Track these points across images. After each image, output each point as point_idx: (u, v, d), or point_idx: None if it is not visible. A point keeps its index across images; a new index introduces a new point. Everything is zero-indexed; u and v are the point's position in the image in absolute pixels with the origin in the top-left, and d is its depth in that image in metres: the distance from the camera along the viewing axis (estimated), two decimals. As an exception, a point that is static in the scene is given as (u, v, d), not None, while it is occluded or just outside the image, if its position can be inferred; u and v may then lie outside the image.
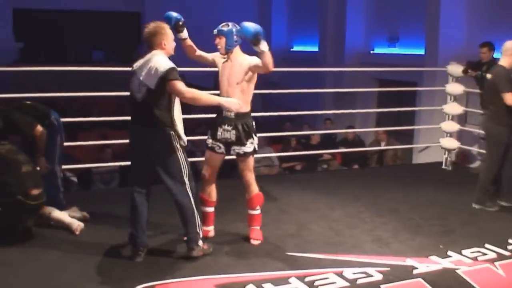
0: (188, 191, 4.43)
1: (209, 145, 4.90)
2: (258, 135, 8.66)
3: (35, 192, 4.82)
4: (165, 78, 4.22)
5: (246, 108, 4.83)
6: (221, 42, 4.78)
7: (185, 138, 4.49)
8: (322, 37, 14.50)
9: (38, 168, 5.18)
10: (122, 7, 16.18)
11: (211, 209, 5.02)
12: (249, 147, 4.83)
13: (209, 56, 5.04)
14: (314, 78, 12.41)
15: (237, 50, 4.80)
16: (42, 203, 4.96)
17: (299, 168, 9.42)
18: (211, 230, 5.03)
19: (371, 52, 13.40)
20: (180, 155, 4.40)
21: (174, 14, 4.96)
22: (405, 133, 10.67)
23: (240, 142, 4.79)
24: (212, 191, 5.00)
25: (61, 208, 5.29)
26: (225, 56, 4.82)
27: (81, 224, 5.11)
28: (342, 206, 6.03)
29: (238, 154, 4.84)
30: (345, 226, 5.37)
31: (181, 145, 4.42)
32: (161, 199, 4.73)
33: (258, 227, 4.99)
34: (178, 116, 4.46)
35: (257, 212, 4.97)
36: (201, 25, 16.22)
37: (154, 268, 4.30)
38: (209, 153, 4.92)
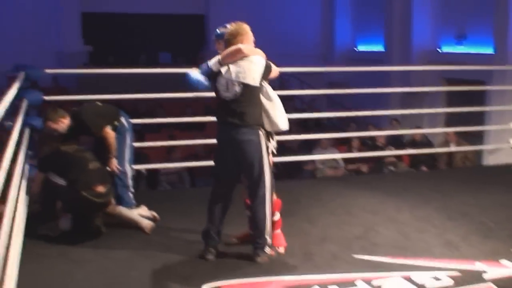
0: (267, 197, 4.42)
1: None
2: (323, 135, 8.68)
3: (101, 189, 4.92)
4: (266, 72, 4.38)
5: None
6: (220, 46, 4.58)
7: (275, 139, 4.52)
8: (388, 36, 14.30)
9: (108, 169, 5.31)
10: (187, 10, 16.39)
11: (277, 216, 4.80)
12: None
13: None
14: (380, 78, 12.25)
15: None
16: (107, 201, 5.05)
17: (365, 170, 9.32)
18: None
19: (438, 50, 13.12)
20: (269, 158, 4.42)
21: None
22: (474, 134, 10.40)
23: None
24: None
25: (130, 207, 5.40)
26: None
27: (151, 223, 5.19)
28: (411, 208, 5.92)
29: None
30: (414, 229, 5.26)
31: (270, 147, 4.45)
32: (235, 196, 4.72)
33: (278, 231, 4.77)
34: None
35: (276, 218, 4.73)
36: (264, 25, 16.40)
37: (221, 268, 4.33)
38: None
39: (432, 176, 7.96)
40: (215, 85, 4.40)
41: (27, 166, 5.31)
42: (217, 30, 4.69)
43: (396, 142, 10.13)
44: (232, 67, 4.32)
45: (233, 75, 4.30)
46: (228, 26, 4.50)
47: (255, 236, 4.46)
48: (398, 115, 11.26)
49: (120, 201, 5.46)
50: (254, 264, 4.44)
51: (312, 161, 9.05)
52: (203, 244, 4.55)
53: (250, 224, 4.52)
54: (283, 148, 9.20)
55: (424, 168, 9.39)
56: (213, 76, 4.38)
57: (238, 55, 4.34)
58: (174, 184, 8.55)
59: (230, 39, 4.40)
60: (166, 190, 8.20)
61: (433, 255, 4.63)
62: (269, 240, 4.48)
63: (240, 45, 4.35)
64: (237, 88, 4.31)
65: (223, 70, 4.34)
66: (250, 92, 4.33)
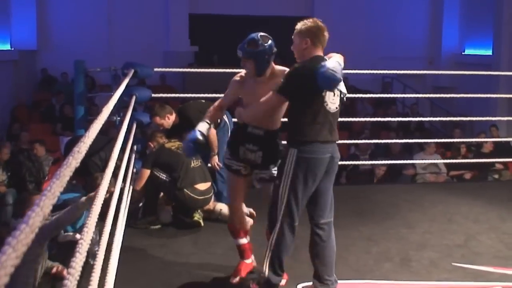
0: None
1: (233, 168, 4.02)
2: (427, 140, 8.50)
3: (202, 187, 5.10)
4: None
5: (277, 125, 3.97)
6: (249, 66, 3.88)
7: None
8: (496, 40, 13.80)
9: (209, 165, 5.46)
10: (295, 12, 16.48)
11: (245, 240, 4.24)
12: (275, 170, 3.93)
13: (231, 96, 4.11)
14: (487, 83, 11.88)
15: (270, 69, 3.93)
16: (208, 198, 5.20)
17: (468, 177, 9.04)
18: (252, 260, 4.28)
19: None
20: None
21: None
22: None
23: (265, 165, 3.98)
24: (244, 218, 4.24)
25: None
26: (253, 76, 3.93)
27: (251, 221, 5.26)
28: (515, 218, 5.71)
29: (262, 180, 4.05)
30: (517, 240, 5.08)
31: None
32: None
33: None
34: None
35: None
36: (370, 26, 16.24)
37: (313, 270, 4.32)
38: (232, 175, 4.05)
39: (540, 186, 7.63)
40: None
41: (133, 160, 5.51)
42: (246, 45, 3.93)
43: (503, 149, 9.76)
44: None
45: None
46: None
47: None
48: (501, 121, 10.83)
49: (220, 197, 5.58)
50: (347, 265, 4.42)
51: (413, 166, 8.89)
52: None
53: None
54: (384, 151, 9.19)
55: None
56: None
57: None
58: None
59: (323, 35, 3.73)
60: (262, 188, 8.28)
61: (537, 268, 4.46)
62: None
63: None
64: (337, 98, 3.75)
65: None
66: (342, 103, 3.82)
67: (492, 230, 5.34)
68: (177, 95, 6.21)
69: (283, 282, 3.89)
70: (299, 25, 3.74)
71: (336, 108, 3.66)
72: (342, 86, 3.70)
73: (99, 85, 13.27)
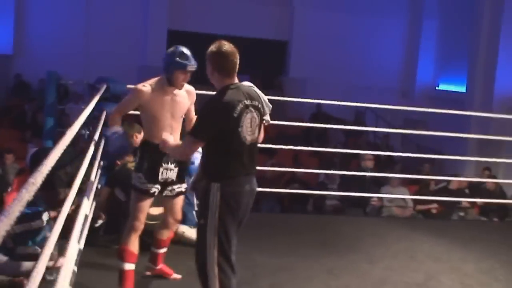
0: None
1: (147, 189, 4.05)
2: (395, 175, 8.55)
3: (155, 211, 4.99)
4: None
5: None
6: (187, 78, 4.05)
7: None
8: (471, 78, 13.99)
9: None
10: (271, 35, 16.61)
11: (133, 266, 4.16)
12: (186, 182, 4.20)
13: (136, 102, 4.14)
14: (459, 120, 12.01)
15: None
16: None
17: (435, 211, 9.09)
18: None
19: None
20: None
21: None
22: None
23: (181, 179, 4.19)
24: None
25: (193, 226, 5.45)
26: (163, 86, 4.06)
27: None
28: (476, 260, 5.74)
29: (180, 193, 4.24)
30: (476, 282, 5.10)
31: None
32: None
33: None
34: None
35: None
36: (346, 55, 16.40)
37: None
38: (146, 199, 4.07)
39: (502, 228, 7.72)
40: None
41: (98, 176, 5.44)
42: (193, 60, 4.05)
43: (475, 189, 9.86)
44: None
45: None
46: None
47: None
48: (491, 164, 10.94)
49: (184, 219, 5.52)
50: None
51: (380, 198, 8.93)
52: None
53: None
54: (351, 181, 9.21)
55: (495, 219, 9.11)
56: None
57: None
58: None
59: (236, 62, 3.55)
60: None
61: (495, 313, 4.49)
62: None
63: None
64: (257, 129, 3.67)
65: None
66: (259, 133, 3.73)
67: (452, 271, 5.37)
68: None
69: None
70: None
71: (254, 139, 3.52)
72: (266, 116, 3.66)
73: (73, 94, 13.13)
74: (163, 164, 4.01)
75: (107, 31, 14.87)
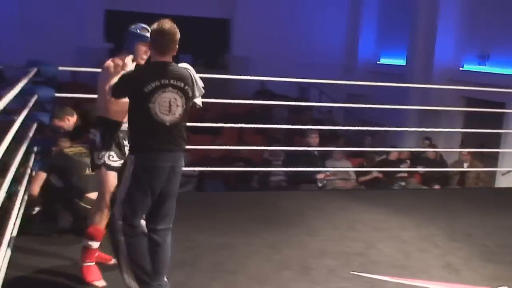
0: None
1: (117, 166, 4.04)
2: (338, 149, 8.64)
3: (94, 196, 4.90)
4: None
5: None
6: (148, 51, 3.96)
7: None
8: (410, 51, 14.22)
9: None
10: (213, 13, 16.47)
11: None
12: None
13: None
14: (400, 93, 12.18)
15: None
16: None
17: (377, 179, 9.22)
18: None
19: (460, 69, 13.02)
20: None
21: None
22: (490, 155, 10.28)
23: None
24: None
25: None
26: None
27: None
28: (415, 227, 5.85)
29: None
30: (416, 249, 5.20)
31: None
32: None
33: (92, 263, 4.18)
34: None
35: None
36: (289, 32, 16.42)
37: (215, 278, 4.27)
38: (114, 176, 4.05)
39: (442, 195, 7.87)
40: None
41: (31, 161, 5.31)
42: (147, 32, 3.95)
43: (416, 159, 10.03)
44: None
45: None
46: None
47: (162, 276, 3.81)
48: (430, 133, 11.15)
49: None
50: (247, 274, 4.40)
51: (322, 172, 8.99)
52: None
53: (158, 260, 3.81)
54: (295, 156, 9.23)
55: (437, 186, 9.30)
56: None
57: None
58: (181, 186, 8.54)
59: (174, 41, 3.68)
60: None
61: (432, 277, 4.57)
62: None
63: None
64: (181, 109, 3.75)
65: None
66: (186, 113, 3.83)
67: (392, 239, 5.45)
68: (83, 95, 6.02)
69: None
70: None
71: (175, 119, 3.59)
72: (198, 99, 3.79)
73: (11, 78, 12.79)
74: (125, 140, 4.02)
75: (43, 13, 14.50)
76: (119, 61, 3.99)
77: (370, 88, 13.82)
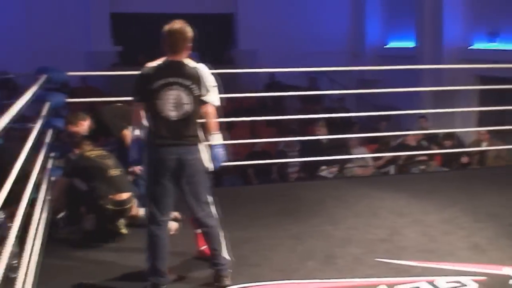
0: (214, 212, 4.13)
1: None
2: (352, 135, 8.62)
3: (119, 197, 4.91)
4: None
5: None
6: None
7: None
8: (419, 33, 14.06)
9: (130, 170, 5.30)
10: (216, 9, 16.43)
11: None
12: None
13: None
14: (411, 75, 12.08)
15: None
16: (126, 209, 5.02)
17: (394, 169, 9.17)
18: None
19: (470, 47, 12.89)
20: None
21: None
22: (509, 132, 10.16)
23: None
24: None
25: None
26: None
27: (175, 224, 5.13)
28: (438, 210, 5.79)
29: None
30: (440, 232, 5.14)
31: None
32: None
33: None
34: None
35: None
36: (293, 23, 16.32)
37: (238, 271, 4.24)
38: None
39: (462, 176, 7.79)
40: None
41: (49, 167, 5.31)
42: None
43: (430, 140, 9.95)
44: None
45: None
46: None
47: (216, 257, 4.07)
48: (426, 113, 11.06)
49: (144, 202, 5.43)
50: (272, 266, 4.38)
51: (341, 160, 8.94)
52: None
53: (208, 244, 4.13)
54: (311, 146, 9.20)
55: (464, 159, 9.17)
56: None
57: None
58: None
59: (184, 40, 3.89)
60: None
61: (459, 259, 4.52)
62: (228, 258, 4.14)
63: None
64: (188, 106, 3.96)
65: None
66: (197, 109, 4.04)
67: (415, 223, 5.39)
68: (95, 99, 6.04)
69: (167, 282, 3.95)
70: None
71: (182, 115, 3.79)
72: (211, 97, 3.95)
73: (23, 87, 12.84)
74: None
75: (49, 20, 14.52)
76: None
77: (381, 72, 13.71)
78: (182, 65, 3.82)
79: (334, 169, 8.76)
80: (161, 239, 3.90)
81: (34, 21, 14.56)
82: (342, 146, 9.08)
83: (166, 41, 3.80)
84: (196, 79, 3.81)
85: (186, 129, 3.82)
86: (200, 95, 3.84)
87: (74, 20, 14.86)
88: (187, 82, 3.77)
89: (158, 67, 3.84)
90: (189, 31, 3.85)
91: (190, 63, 3.92)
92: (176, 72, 3.77)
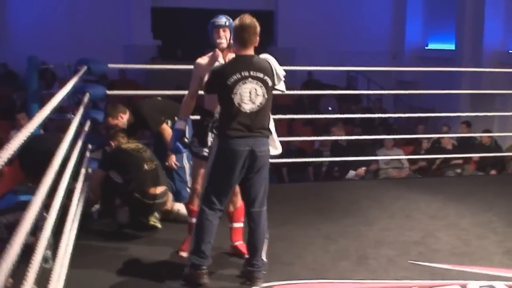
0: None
1: (202, 154, 4.30)
2: (389, 136, 8.58)
3: (154, 191, 4.93)
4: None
5: None
6: (226, 35, 4.20)
7: None
8: (459, 35, 13.90)
9: (166, 164, 5.35)
10: (256, 6, 16.40)
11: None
12: None
13: (201, 81, 4.22)
14: (450, 78, 11.95)
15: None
16: (161, 203, 5.05)
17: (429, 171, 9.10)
18: None
19: (510, 51, 12.69)
20: None
21: None
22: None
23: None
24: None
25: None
26: (217, 57, 4.18)
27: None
28: (473, 214, 5.74)
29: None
30: (474, 236, 5.10)
31: None
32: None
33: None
34: None
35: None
36: (333, 21, 16.24)
37: (271, 269, 4.25)
38: (202, 163, 4.31)
39: (498, 181, 7.71)
40: None
41: (86, 159, 5.38)
42: (224, 17, 4.26)
43: (466, 145, 9.83)
44: None
45: None
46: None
47: (255, 257, 4.05)
48: (468, 117, 10.92)
49: (178, 196, 5.50)
50: (304, 265, 4.39)
51: (376, 161, 8.91)
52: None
53: (252, 242, 4.09)
54: (347, 147, 9.17)
55: (493, 172, 9.09)
56: None
57: None
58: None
59: (255, 33, 3.94)
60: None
61: (492, 264, 4.48)
62: (266, 260, 4.13)
63: None
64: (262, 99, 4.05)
65: None
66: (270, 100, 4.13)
67: (450, 227, 5.35)
68: (134, 92, 6.10)
69: (207, 263, 3.99)
70: None
71: (256, 107, 3.86)
72: (281, 85, 4.02)
73: (61, 78, 13.02)
74: (212, 131, 4.25)
75: (91, 12, 14.74)
76: (206, 58, 4.28)
77: (419, 74, 13.59)
78: (254, 58, 3.92)
79: (362, 171, 8.72)
80: (213, 225, 3.96)
81: (77, 14, 14.77)
82: (368, 147, 9.04)
83: (238, 35, 3.89)
84: (269, 71, 3.92)
85: (260, 121, 3.92)
86: (273, 86, 3.97)
87: (116, 14, 15.03)
88: (261, 75, 3.87)
89: (231, 63, 3.95)
90: (258, 26, 3.93)
91: (261, 55, 4.01)
92: (249, 66, 3.86)
